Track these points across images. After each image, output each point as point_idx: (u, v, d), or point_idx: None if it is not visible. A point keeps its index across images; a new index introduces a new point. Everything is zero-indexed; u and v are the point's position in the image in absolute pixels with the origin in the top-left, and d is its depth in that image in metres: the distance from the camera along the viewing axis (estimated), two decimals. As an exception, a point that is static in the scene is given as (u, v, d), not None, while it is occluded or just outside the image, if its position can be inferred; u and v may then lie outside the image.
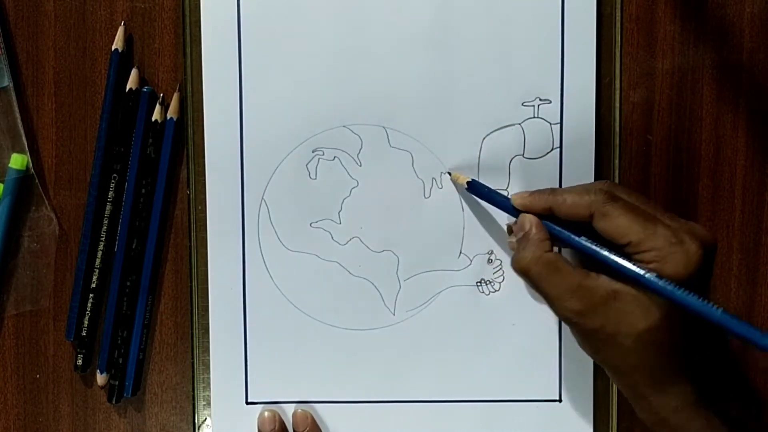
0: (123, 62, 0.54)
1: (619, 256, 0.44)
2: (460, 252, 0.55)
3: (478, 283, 0.55)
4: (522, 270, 0.47)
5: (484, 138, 0.54)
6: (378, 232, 0.55)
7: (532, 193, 0.49)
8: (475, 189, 0.53)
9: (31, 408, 0.56)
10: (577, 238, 0.46)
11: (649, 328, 0.44)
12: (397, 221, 0.55)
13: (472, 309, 0.55)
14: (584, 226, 0.46)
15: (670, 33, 0.55)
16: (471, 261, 0.55)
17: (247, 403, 0.56)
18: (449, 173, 0.54)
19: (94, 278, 0.55)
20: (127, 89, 0.54)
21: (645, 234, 0.43)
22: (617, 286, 0.44)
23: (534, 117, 0.54)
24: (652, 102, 0.55)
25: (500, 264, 0.55)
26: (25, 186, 0.55)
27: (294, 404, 0.56)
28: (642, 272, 0.43)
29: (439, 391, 0.56)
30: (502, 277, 0.55)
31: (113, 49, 0.54)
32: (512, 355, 0.55)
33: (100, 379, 0.56)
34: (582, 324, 0.45)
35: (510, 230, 0.51)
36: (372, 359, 0.56)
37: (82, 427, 0.57)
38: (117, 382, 0.56)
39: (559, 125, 0.54)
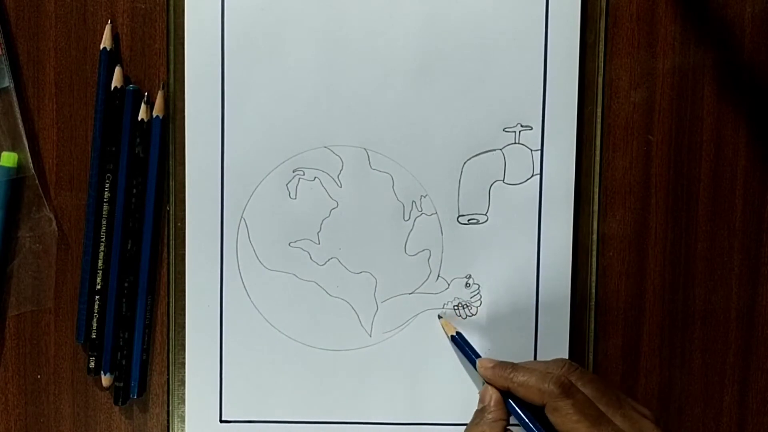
0: (114, 61, 0.54)
1: None
2: (438, 275, 0.55)
3: (456, 307, 0.55)
4: None
5: (465, 162, 0.55)
6: (356, 254, 0.55)
7: (495, 366, 0.50)
8: (456, 342, 0.54)
9: (32, 409, 0.57)
10: (531, 426, 0.48)
11: None
12: (375, 243, 0.55)
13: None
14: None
15: (671, 33, 0.55)
16: (449, 285, 0.55)
17: (222, 421, 0.56)
18: (439, 317, 0.55)
19: (98, 280, 0.55)
20: (111, 88, 0.54)
21: None
22: None
23: (515, 143, 0.54)
24: (653, 102, 0.55)
25: (478, 288, 0.55)
26: (20, 185, 0.55)
27: (269, 424, 0.56)
28: None
29: (414, 413, 0.56)
30: (479, 302, 0.55)
31: (101, 47, 0.54)
32: None
33: (105, 380, 0.56)
34: None
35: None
36: (348, 380, 0.56)
37: (84, 428, 0.57)
38: (122, 384, 0.56)
39: (539, 152, 0.54)
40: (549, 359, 0.52)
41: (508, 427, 0.49)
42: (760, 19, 0.55)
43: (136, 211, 0.55)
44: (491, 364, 0.51)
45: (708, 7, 0.55)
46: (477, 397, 0.54)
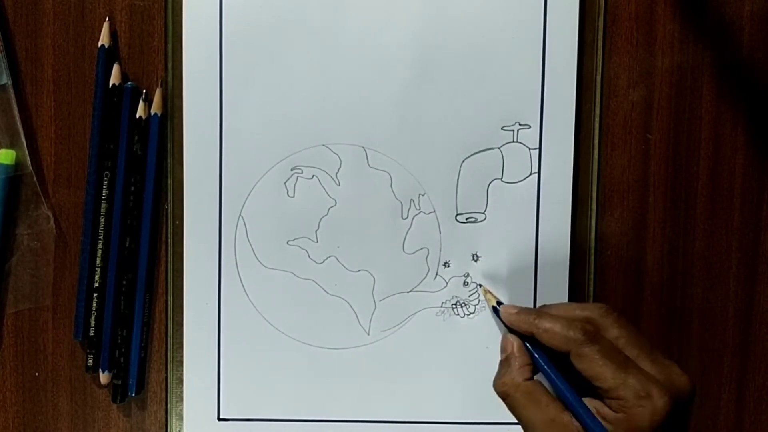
0: (112, 58, 0.54)
1: (583, 408, 0.45)
2: (436, 274, 0.55)
3: (453, 306, 0.55)
4: (501, 395, 0.48)
5: (463, 161, 0.54)
6: (355, 252, 0.55)
7: (519, 312, 0.49)
8: (496, 311, 0.52)
9: (30, 406, 0.57)
10: (552, 376, 0.47)
11: None
12: (374, 241, 0.55)
13: (447, 331, 0.55)
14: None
15: (669, 31, 0.55)
16: (447, 283, 0.55)
17: (219, 419, 0.56)
18: (480, 285, 0.55)
19: (97, 277, 0.55)
20: (110, 85, 0.54)
21: (614, 383, 0.44)
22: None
23: (513, 141, 0.54)
24: (652, 100, 0.55)
25: (476, 287, 0.55)
26: (17, 182, 0.55)
27: (267, 422, 0.56)
28: (599, 430, 0.44)
29: (412, 411, 0.56)
30: (477, 300, 0.55)
31: (99, 45, 0.54)
32: (485, 377, 0.54)
33: (103, 378, 0.56)
34: None
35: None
36: (346, 378, 0.56)
37: (82, 425, 0.57)
38: (120, 381, 0.56)
39: (537, 150, 0.54)
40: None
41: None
42: (759, 18, 0.55)
43: (134, 208, 0.55)
44: (515, 310, 0.50)
45: (707, 6, 0.55)
46: (475, 395, 0.54)
